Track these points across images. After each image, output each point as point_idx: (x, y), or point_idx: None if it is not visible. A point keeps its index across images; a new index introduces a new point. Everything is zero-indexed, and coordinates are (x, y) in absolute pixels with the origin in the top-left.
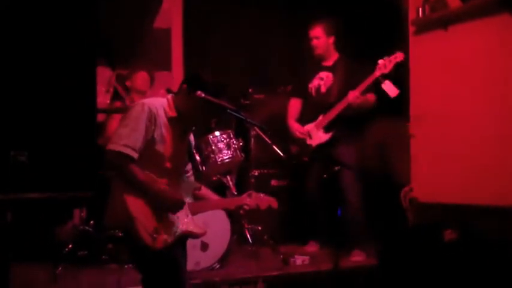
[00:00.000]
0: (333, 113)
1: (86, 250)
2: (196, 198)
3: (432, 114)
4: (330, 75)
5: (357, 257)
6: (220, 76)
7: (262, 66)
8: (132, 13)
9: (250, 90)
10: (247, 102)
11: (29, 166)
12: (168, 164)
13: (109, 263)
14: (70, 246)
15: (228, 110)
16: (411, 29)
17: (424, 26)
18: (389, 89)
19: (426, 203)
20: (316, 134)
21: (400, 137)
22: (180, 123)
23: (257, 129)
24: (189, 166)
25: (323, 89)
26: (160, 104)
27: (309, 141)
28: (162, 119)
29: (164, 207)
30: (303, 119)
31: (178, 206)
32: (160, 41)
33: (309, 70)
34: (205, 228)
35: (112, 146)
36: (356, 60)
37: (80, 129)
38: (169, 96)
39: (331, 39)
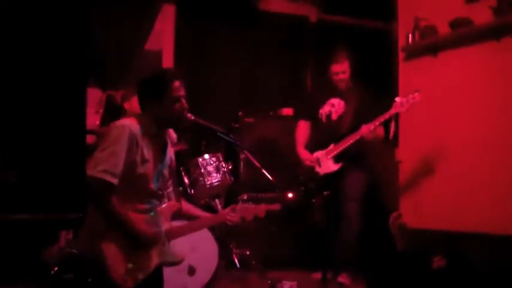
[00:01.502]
0: (344, 144)
1: (72, 273)
2: (180, 216)
3: (421, 140)
4: (342, 103)
5: (344, 280)
6: (211, 99)
7: (253, 90)
8: (124, 34)
9: (240, 113)
10: (238, 125)
11: (17, 187)
12: (151, 185)
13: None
14: (56, 268)
15: (218, 133)
16: (401, 55)
17: (414, 52)
18: (392, 130)
19: (415, 229)
20: (326, 163)
21: (390, 163)
22: (159, 138)
23: (246, 153)
24: (170, 181)
25: (334, 116)
26: (137, 123)
27: (317, 169)
28: (142, 138)
29: (138, 244)
30: (310, 144)
31: (152, 242)
32: (151, 63)
33: (318, 95)
34: (184, 255)
35: (90, 172)
36: (367, 89)
37: (69, 149)
38: (141, 114)
39: (350, 72)
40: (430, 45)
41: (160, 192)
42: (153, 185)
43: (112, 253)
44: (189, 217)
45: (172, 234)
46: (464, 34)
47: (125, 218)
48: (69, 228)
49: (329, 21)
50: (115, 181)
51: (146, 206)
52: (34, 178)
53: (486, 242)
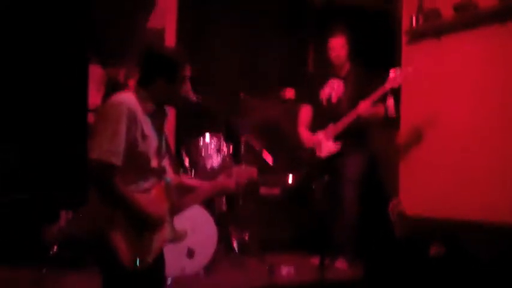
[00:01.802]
0: (343, 123)
1: (71, 252)
2: (180, 189)
3: (422, 125)
4: (341, 84)
5: (340, 265)
6: (212, 79)
7: (255, 71)
8: (126, 12)
9: (241, 94)
10: (239, 107)
11: (17, 166)
12: (153, 163)
13: (94, 265)
14: (55, 248)
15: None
16: (404, 38)
17: (417, 36)
18: (391, 107)
19: (414, 216)
20: (326, 144)
21: (390, 148)
22: (158, 113)
23: (247, 135)
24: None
25: (334, 99)
26: (135, 98)
27: (318, 153)
28: (141, 115)
29: (146, 226)
30: (312, 127)
31: (159, 223)
32: (153, 41)
33: (318, 77)
34: (185, 231)
35: (94, 155)
36: (366, 70)
37: (71, 129)
38: (139, 88)
39: (348, 49)
40: (434, 28)
41: (162, 168)
42: (155, 162)
43: (120, 236)
44: (188, 189)
45: (175, 210)
46: (468, 18)
47: (132, 199)
48: (69, 207)
49: (332, 2)
50: (119, 161)
51: (149, 184)
52: (35, 157)
53: (485, 230)
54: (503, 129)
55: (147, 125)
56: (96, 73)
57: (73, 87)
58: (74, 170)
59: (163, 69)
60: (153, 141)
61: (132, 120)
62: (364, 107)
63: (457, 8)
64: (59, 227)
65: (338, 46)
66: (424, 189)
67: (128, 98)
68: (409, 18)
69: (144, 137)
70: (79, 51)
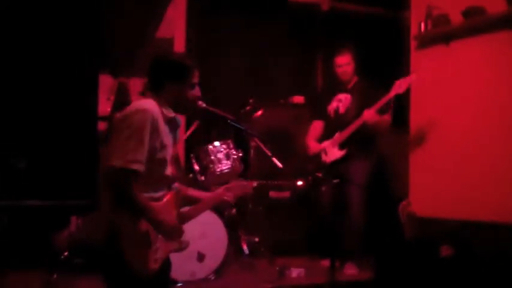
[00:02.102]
0: (348, 131)
1: (82, 258)
2: (186, 201)
3: (432, 128)
4: (349, 96)
5: (350, 270)
6: (221, 87)
7: (264, 78)
8: (136, 21)
9: (250, 101)
10: (248, 113)
11: (27, 172)
12: (168, 171)
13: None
14: (66, 253)
15: (228, 121)
16: (413, 43)
17: (426, 41)
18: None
19: (424, 217)
20: (332, 151)
21: (399, 151)
22: (174, 121)
23: (257, 141)
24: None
25: (342, 110)
26: (155, 106)
27: (324, 158)
28: (162, 123)
29: (166, 234)
30: (322, 140)
31: (174, 232)
32: (159, 51)
33: (326, 94)
34: (195, 240)
35: (117, 163)
36: (373, 81)
37: (80, 136)
38: (155, 95)
39: (354, 65)
40: (443, 34)
41: (173, 177)
42: (169, 171)
43: (128, 244)
44: (192, 200)
45: (183, 219)
46: (477, 23)
47: (148, 208)
48: (79, 214)
49: (341, 9)
50: (142, 169)
51: (161, 194)
52: (45, 164)
53: (494, 232)
54: (511, 132)
55: (166, 134)
56: (106, 82)
57: (83, 95)
58: (84, 177)
59: (170, 70)
60: (169, 149)
61: (155, 127)
62: (369, 115)
63: (465, 14)
64: (69, 233)
65: (344, 63)
66: (434, 191)
67: (151, 105)
68: (417, 24)
69: (162, 145)
70: (89, 60)
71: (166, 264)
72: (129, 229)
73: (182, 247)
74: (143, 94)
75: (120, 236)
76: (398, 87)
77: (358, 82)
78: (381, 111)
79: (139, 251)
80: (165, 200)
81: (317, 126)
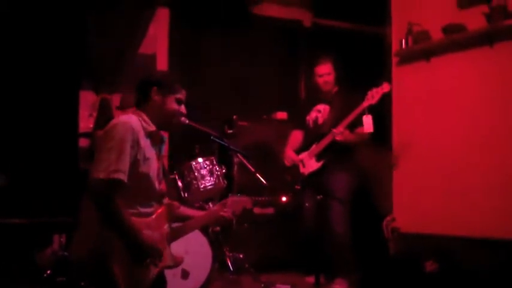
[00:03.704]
0: (323, 143)
1: (65, 276)
2: (177, 218)
3: (414, 144)
4: (327, 107)
5: (339, 286)
6: (205, 103)
7: (247, 94)
8: (118, 38)
9: (234, 117)
10: (232, 130)
11: (8, 190)
12: (155, 185)
13: None
14: (49, 272)
15: (212, 137)
16: (394, 59)
17: (407, 57)
18: (367, 123)
19: (408, 233)
20: (309, 162)
21: (382, 167)
22: (157, 135)
23: (240, 157)
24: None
25: (320, 121)
26: (135, 120)
27: (302, 170)
28: (142, 136)
29: (142, 255)
30: (301, 150)
31: (154, 254)
32: (145, 67)
33: (307, 104)
34: (182, 256)
35: (100, 174)
36: (353, 91)
37: (61, 153)
38: (137, 110)
39: (335, 74)
40: (423, 50)
41: (162, 193)
42: (156, 186)
43: (118, 261)
44: (184, 218)
45: (172, 236)
46: (457, 39)
47: (129, 224)
48: (61, 231)
49: (323, 25)
50: (125, 178)
51: (148, 209)
52: (27, 181)
53: (478, 246)
54: (494, 146)
55: (148, 147)
56: (88, 99)
57: (64, 111)
58: (65, 194)
59: (156, 83)
60: (153, 163)
61: (135, 140)
62: (337, 132)
63: (445, 30)
64: (52, 251)
65: (325, 73)
66: (417, 207)
67: (131, 118)
68: (398, 40)
69: (145, 158)
70: (71, 76)
71: (160, 280)
72: (118, 247)
73: (177, 264)
74: (121, 108)
75: (108, 253)
76: (371, 97)
77: (337, 93)
78: (352, 126)
79: (129, 267)
80: (155, 215)
81: (297, 136)
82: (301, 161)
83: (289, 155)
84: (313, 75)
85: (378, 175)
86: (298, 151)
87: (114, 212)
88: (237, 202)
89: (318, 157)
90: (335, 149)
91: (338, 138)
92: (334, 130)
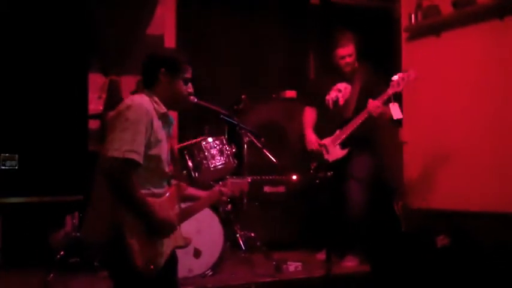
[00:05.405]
0: (350, 128)
1: (78, 257)
2: (185, 199)
3: (425, 120)
4: (349, 87)
5: (350, 262)
6: (213, 83)
7: (255, 73)
8: (125, 19)
9: (243, 96)
10: (241, 108)
11: (19, 170)
12: (165, 167)
13: (101, 270)
14: (62, 253)
15: (221, 116)
16: (404, 35)
17: (417, 33)
18: (395, 111)
19: (419, 209)
20: (333, 150)
21: (392, 143)
22: (166, 117)
23: (250, 136)
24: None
25: (341, 101)
26: (148, 102)
27: (326, 156)
28: (155, 118)
29: (157, 231)
30: (319, 131)
31: (171, 229)
32: (153, 48)
33: (324, 83)
34: (191, 237)
35: (115, 153)
36: (373, 71)
37: (71, 134)
38: (147, 91)
39: (356, 55)
40: (433, 25)
41: (171, 174)
42: (167, 167)
43: (133, 239)
44: (191, 198)
45: (182, 217)
46: (467, 13)
47: (145, 202)
48: (74, 212)
49: (331, 1)
50: (140, 159)
51: (160, 190)
52: (38, 162)
53: (489, 221)
54: (503, 123)
55: (160, 129)
56: (97, 81)
57: (74, 94)
58: (75, 175)
59: (164, 65)
60: (164, 145)
61: (150, 121)
62: (374, 105)
63: (455, 4)
64: (65, 233)
65: (346, 54)
66: (428, 183)
67: (144, 100)
68: (408, 15)
69: (157, 140)
70: (80, 59)
71: (173, 260)
72: (133, 223)
73: (187, 243)
74: (135, 93)
75: (124, 232)
76: (397, 84)
77: (358, 71)
78: (384, 103)
79: (144, 246)
80: (166, 195)
81: (311, 114)
82: (325, 145)
83: (312, 140)
84: (333, 56)
85: (388, 151)
86: (319, 132)
87: (130, 188)
88: (234, 184)
89: (343, 144)
90: (360, 135)
91: (378, 111)
92: (371, 103)
